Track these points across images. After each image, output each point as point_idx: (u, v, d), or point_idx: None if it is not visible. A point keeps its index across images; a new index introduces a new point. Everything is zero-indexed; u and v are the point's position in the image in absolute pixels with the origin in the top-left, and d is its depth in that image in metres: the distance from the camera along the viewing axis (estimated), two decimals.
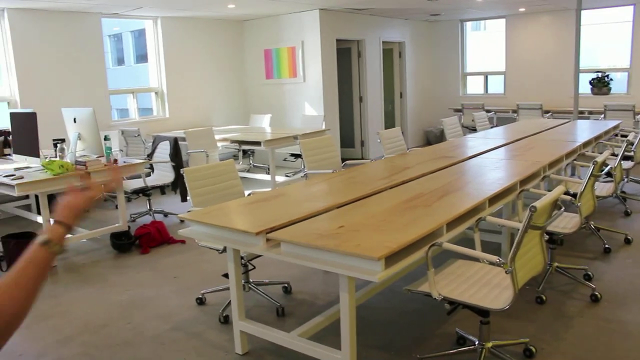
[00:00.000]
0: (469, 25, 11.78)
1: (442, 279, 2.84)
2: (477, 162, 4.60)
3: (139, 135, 7.20)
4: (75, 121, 5.55)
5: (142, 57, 19.16)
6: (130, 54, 21.16)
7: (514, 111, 10.15)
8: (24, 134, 5.46)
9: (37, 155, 5.27)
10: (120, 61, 21.36)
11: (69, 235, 1.19)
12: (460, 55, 11.63)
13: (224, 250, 3.40)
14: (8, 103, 7.26)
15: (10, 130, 5.92)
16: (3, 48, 7.23)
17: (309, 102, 9.23)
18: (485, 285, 2.75)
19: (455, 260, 3.08)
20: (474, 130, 8.40)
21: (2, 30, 7.17)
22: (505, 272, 2.48)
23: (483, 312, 2.78)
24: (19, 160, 5.61)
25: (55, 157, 5.42)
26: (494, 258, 2.53)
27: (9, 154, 6.12)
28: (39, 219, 5.38)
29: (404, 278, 4.13)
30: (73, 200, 1.24)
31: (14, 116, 5.68)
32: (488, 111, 10.07)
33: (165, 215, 6.51)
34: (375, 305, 3.85)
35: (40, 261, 1.10)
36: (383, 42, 10.43)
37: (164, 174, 6.29)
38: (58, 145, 5.56)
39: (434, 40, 11.87)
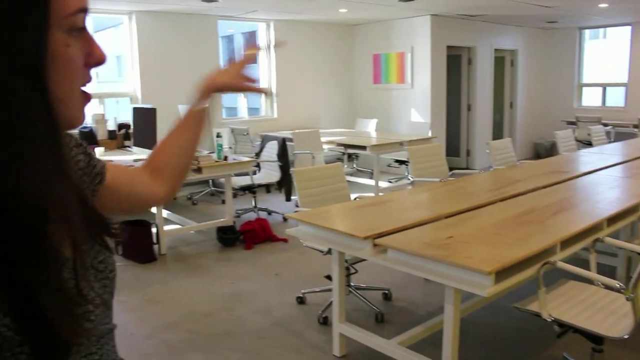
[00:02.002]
0: (587, 33, 11.20)
1: (553, 299, 2.72)
2: (593, 179, 4.37)
3: (247, 134, 7.44)
4: None
5: None
6: (240, 55, 21.85)
7: (635, 126, 9.53)
8: (144, 128, 5.80)
9: None
10: (231, 61, 22.13)
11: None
12: (577, 64, 11.07)
13: (329, 252, 3.44)
14: (130, 98, 7.74)
15: (132, 123, 6.30)
16: (129, 48, 7.72)
17: (415, 109, 9.15)
18: (600, 310, 2.60)
19: (567, 281, 2.94)
20: (589, 144, 7.98)
21: (130, 31, 7.66)
22: (626, 299, 2.34)
23: (597, 339, 2.63)
24: (138, 152, 5.95)
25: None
26: (614, 282, 2.40)
27: (129, 146, 6.51)
28: (153, 209, 5.68)
29: (507, 295, 4.00)
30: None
31: (136, 111, 6.05)
32: (605, 125, 9.52)
33: (269, 213, 6.67)
34: (477, 320, 3.75)
35: (186, 124, 1.23)
36: (495, 49, 10.14)
37: (270, 173, 6.46)
38: None
39: (549, 48, 11.38)
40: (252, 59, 1.30)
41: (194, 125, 1.22)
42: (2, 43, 0.60)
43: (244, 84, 1.27)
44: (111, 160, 1.45)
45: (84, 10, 0.69)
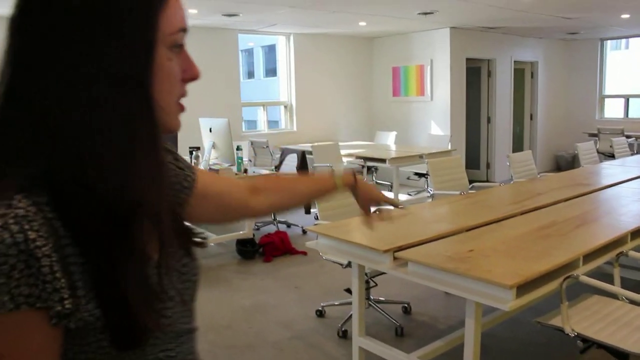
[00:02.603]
0: (608, 44, 11.09)
1: (576, 314, 2.68)
2: (616, 191, 4.32)
3: (267, 146, 7.47)
4: (210, 131, 5.88)
5: (270, 71, 19.88)
6: (260, 68, 22.03)
7: None
8: (164, 140, 5.84)
9: None
10: (250, 74, 22.30)
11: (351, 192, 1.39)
12: (599, 76, 10.96)
13: (348, 265, 3.43)
14: None
15: None
16: None
17: (435, 121, 9.13)
18: (625, 325, 2.56)
19: (590, 296, 2.90)
20: (611, 156, 7.89)
21: None
22: None
23: (622, 355, 2.58)
24: None
25: (191, 163, 5.75)
26: (639, 297, 2.36)
27: None
28: None
29: (529, 309, 3.95)
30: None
31: None
32: (628, 137, 9.39)
33: (289, 226, 6.68)
34: (499, 334, 3.71)
35: (318, 183, 1.34)
36: (515, 61, 10.10)
37: None
38: (193, 152, 5.90)
39: (570, 60, 11.29)
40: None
41: (321, 190, 1.34)
42: (120, 55, 0.69)
43: (387, 198, 1.50)
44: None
45: (184, 30, 0.78)
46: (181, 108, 0.81)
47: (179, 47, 0.78)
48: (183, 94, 0.81)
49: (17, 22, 0.70)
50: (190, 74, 0.81)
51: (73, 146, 0.68)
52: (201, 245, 0.93)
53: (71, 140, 0.68)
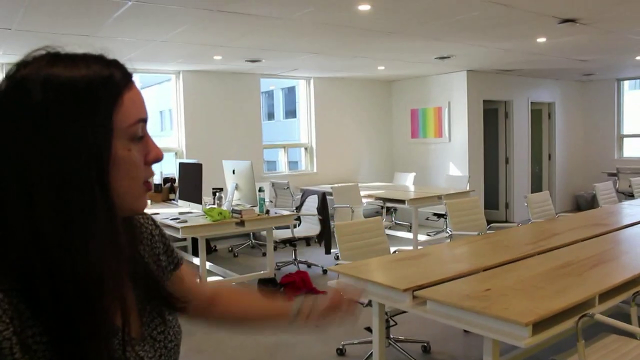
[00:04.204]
0: (626, 84, 11.18)
1: (593, 352, 2.73)
2: (635, 231, 4.36)
3: (288, 188, 7.62)
4: (233, 172, 6.04)
5: (290, 113, 20.16)
6: (280, 110, 22.37)
7: None
8: (189, 182, 6.03)
9: (199, 202, 5.78)
10: (270, 116, 22.64)
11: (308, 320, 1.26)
12: (616, 115, 11.02)
13: (369, 303, 3.51)
14: (175, 153, 8.05)
15: (177, 177, 6.55)
16: (176, 105, 8.09)
17: (453, 162, 9.23)
18: None
19: (608, 335, 2.94)
20: (630, 196, 7.90)
21: (177, 90, 8.04)
22: None
23: None
24: (183, 206, 6.16)
25: (214, 204, 5.90)
26: None
27: (174, 199, 6.75)
28: (195, 261, 5.85)
29: (547, 348, 3.97)
30: (334, 299, 1.28)
31: (182, 166, 6.30)
32: None
33: (309, 266, 6.75)
34: None
35: (275, 304, 1.28)
36: (531, 102, 10.22)
37: (310, 227, 6.58)
38: (216, 194, 6.05)
39: (587, 100, 11.38)
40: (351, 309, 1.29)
41: (274, 311, 1.27)
42: (75, 151, 0.73)
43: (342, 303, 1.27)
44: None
45: (144, 120, 0.81)
46: (148, 188, 0.83)
47: (139, 138, 0.80)
48: (149, 175, 0.83)
49: None
50: (154, 157, 0.83)
51: (34, 238, 0.72)
52: (181, 311, 0.97)
53: (32, 234, 0.72)
